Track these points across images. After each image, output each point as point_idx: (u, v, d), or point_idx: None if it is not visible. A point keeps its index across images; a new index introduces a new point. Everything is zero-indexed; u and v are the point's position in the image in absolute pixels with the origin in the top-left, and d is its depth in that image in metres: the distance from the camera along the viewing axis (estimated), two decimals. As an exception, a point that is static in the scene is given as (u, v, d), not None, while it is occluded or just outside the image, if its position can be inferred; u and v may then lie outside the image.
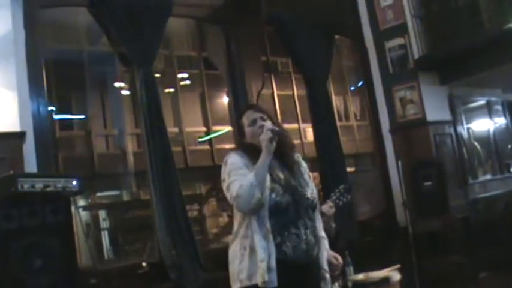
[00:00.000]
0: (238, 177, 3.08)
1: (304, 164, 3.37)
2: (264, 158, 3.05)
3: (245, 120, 3.28)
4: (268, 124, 3.18)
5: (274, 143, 3.07)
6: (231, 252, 3.19)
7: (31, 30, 4.75)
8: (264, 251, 3.02)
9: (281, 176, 3.19)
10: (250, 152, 3.17)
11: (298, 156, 3.36)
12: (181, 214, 5.00)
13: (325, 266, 3.22)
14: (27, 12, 4.73)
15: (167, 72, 10.56)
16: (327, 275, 3.23)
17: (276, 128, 3.10)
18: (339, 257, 3.32)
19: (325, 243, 3.30)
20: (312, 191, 3.24)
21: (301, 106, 8.70)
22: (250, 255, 3.07)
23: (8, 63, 4.52)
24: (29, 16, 4.75)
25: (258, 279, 3.00)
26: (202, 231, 10.16)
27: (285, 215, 3.09)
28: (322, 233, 3.32)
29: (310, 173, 3.40)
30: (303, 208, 3.15)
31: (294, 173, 3.24)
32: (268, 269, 2.99)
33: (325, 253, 3.28)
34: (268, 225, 3.05)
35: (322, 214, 3.52)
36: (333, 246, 3.53)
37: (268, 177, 3.09)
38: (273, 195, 3.09)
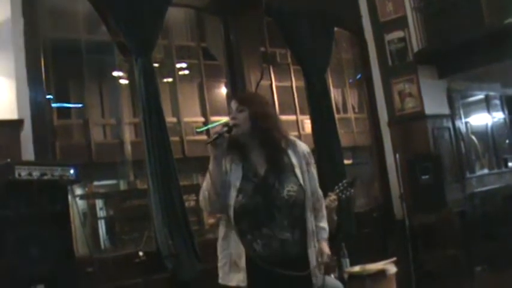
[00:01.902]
0: (206, 178, 3.11)
1: (302, 151, 3.18)
2: (210, 163, 3.03)
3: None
4: (236, 116, 3.09)
5: (223, 145, 3.00)
6: None
7: (30, 18, 4.72)
8: (222, 251, 3.10)
9: (261, 171, 3.09)
10: (232, 145, 3.10)
11: (293, 144, 3.17)
12: (179, 204, 4.99)
13: (313, 261, 3.09)
14: (26, 0, 4.71)
15: (166, 62, 10.54)
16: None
17: (219, 130, 2.99)
18: (325, 253, 3.11)
19: (322, 233, 3.18)
20: (293, 187, 3.05)
21: (300, 98, 8.69)
22: None
23: (6, 51, 4.49)
24: (27, 4, 4.73)
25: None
26: (199, 221, 10.16)
27: (254, 217, 3.01)
28: (321, 223, 3.20)
29: (313, 162, 3.23)
30: (276, 208, 3.00)
31: (279, 166, 3.09)
32: (237, 267, 3.01)
33: (314, 247, 3.11)
34: (233, 226, 3.02)
35: (325, 207, 3.44)
36: (333, 238, 3.49)
37: (237, 176, 3.06)
38: (240, 197, 3.02)
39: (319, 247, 3.12)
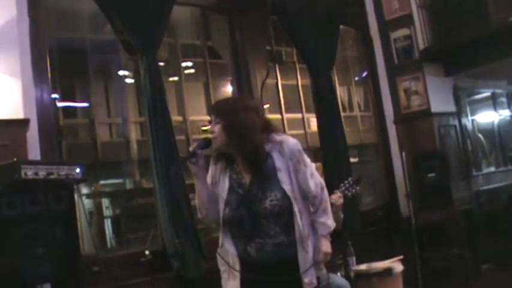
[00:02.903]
0: None
1: (290, 150, 3.02)
2: (195, 181, 3.05)
3: None
4: (213, 129, 3.03)
5: (200, 162, 3.00)
6: None
7: (35, 17, 4.74)
8: (220, 259, 3.09)
9: (246, 182, 3.03)
10: (220, 156, 3.11)
11: (279, 145, 3.02)
12: (184, 203, 5.00)
13: (303, 266, 3.00)
14: (31, 0, 4.72)
15: (171, 61, 10.51)
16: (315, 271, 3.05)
17: (191, 149, 2.99)
18: (321, 251, 3.04)
19: (321, 229, 3.07)
20: (277, 194, 2.94)
21: (306, 96, 8.63)
22: None
23: (12, 51, 4.51)
24: (33, 4, 4.73)
25: None
26: (205, 220, 10.15)
27: (241, 228, 2.99)
28: (320, 219, 3.08)
29: (304, 159, 3.08)
30: (263, 218, 2.94)
31: (261, 175, 2.99)
32: (233, 275, 3.02)
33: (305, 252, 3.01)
34: (227, 236, 3.05)
35: (331, 205, 3.37)
36: (339, 237, 3.45)
37: (225, 189, 3.04)
38: (227, 210, 3.01)
39: (316, 245, 3.06)
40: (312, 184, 3.07)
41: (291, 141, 3.07)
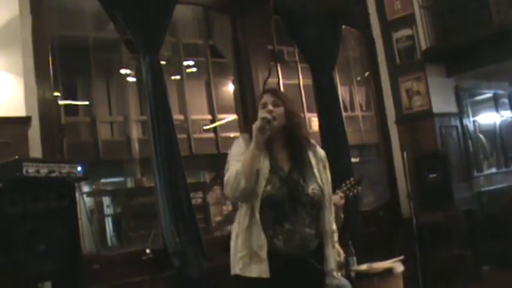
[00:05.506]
0: (233, 163, 3.09)
1: (320, 155, 3.26)
2: (252, 148, 3.01)
3: (259, 103, 3.24)
4: (273, 109, 3.11)
5: (267, 132, 3.00)
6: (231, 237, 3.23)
7: (38, 15, 4.73)
8: (243, 242, 3.07)
9: (285, 167, 3.14)
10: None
11: (314, 147, 3.26)
12: (185, 202, 4.99)
13: (330, 262, 3.14)
14: (34, -3, 4.73)
15: (173, 60, 10.53)
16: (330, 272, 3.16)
17: (269, 116, 3.01)
18: (342, 254, 3.27)
19: (334, 237, 3.24)
20: (316, 186, 3.13)
21: (307, 96, 8.66)
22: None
23: (14, 49, 4.51)
24: (35, 1, 4.73)
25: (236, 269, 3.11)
26: (206, 219, 10.16)
27: (279, 209, 3.04)
28: (334, 227, 3.28)
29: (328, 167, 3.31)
30: (301, 204, 3.07)
31: (302, 164, 3.16)
32: (259, 259, 3.01)
33: (332, 248, 3.20)
34: (258, 216, 3.02)
35: (333, 204, 3.46)
36: (340, 236, 3.53)
37: (266, 167, 3.07)
38: (268, 188, 3.04)
39: (336, 248, 3.28)
40: (330, 191, 3.31)
41: (319, 148, 3.33)
